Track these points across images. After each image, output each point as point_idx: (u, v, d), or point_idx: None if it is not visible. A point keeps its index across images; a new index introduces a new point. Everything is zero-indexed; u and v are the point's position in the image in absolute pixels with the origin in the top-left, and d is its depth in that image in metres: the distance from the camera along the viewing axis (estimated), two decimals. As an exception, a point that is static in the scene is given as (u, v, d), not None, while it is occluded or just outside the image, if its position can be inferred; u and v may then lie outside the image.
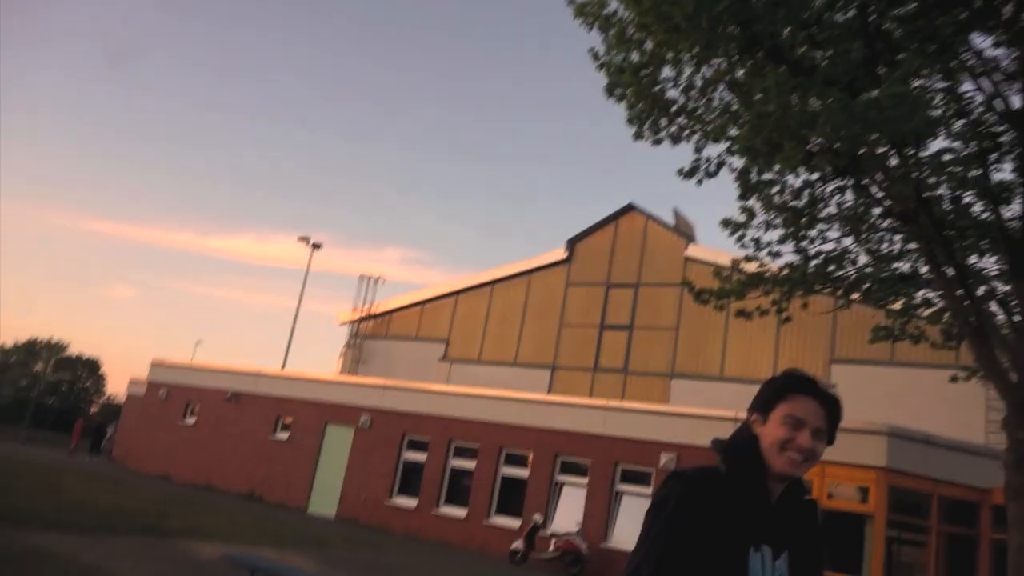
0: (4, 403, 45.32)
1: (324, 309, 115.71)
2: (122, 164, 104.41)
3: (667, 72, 12.35)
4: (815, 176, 10.85)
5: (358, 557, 13.81)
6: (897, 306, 11.48)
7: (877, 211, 10.69)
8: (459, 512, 19.40)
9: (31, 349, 71.82)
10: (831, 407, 1.99)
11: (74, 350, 73.48)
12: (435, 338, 27.02)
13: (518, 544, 17.22)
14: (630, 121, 12.87)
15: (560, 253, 25.72)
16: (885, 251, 11.15)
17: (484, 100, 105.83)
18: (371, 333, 28.70)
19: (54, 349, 72.51)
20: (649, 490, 17.22)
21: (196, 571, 9.72)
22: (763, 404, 2.03)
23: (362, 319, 28.97)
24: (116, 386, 72.78)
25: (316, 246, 33.61)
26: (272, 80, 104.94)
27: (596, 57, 12.66)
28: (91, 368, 73.99)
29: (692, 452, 16.50)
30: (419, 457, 20.73)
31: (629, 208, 25.08)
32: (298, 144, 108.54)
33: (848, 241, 11.45)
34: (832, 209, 11.15)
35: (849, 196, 10.90)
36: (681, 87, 12.41)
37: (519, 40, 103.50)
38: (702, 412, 16.98)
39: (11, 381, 63.79)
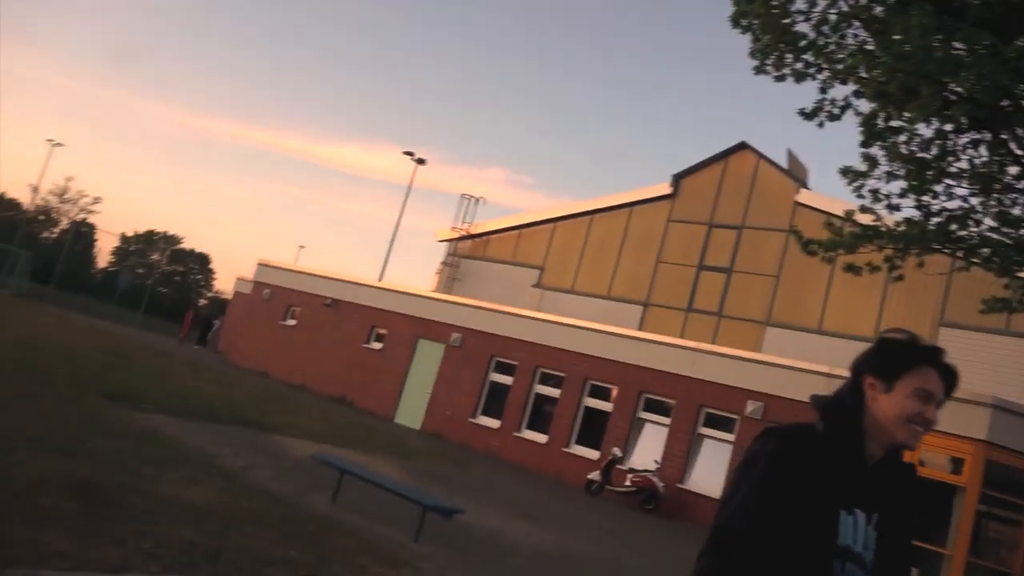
0: (123, 288, 48.28)
1: (423, 225, 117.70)
2: (244, 66, 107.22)
3: (800, 4, 11.66)
4: (949, 127, 10.13)
5: (441, 470, 14.27)
6: (1022, 275, 10.74)
7: (1014, 170, 9.94)
8: (540, 437, 19.76)
9: (149, 239, 76.01)
10: (950, 380, 1.92)
11: (187, 244, 77.47)
12: (530, 263, 27.10)
13: (595, 475, 17.44)
14: (753, 54, 12.29)
15: (664, 188, 25.11)
16: (1017, 215, 10.40)
17: (601, 25, 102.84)
18: (468, 253, 29.01)
19: (170, 241, 76.55)
20: (732, 436, 17.06)
21: (289, 466, 10.23)
22: (887, 371, 1.92)
23: (460, 238, 29.27)
24: (222, 282, 76.43)
25: (420, 161, 33.91)
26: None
27: (726, -18, 12.01)
28: (202, 262, 77.98)
29: (780, 403, 16.18)
30: (505, 380, 21.09)
31: (741, 146, 24.16)
32: (410, 58, 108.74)
33: (976, 200, 10.73)
34: (963, 164, 10.42)
35: (984, 151, 10.15)
36: (813, 21, 11.72)
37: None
38: (795, 364, 16.56)
39: (130, 268, 67.81)
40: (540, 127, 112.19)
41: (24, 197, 65.60)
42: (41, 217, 67.71)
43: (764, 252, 22.48)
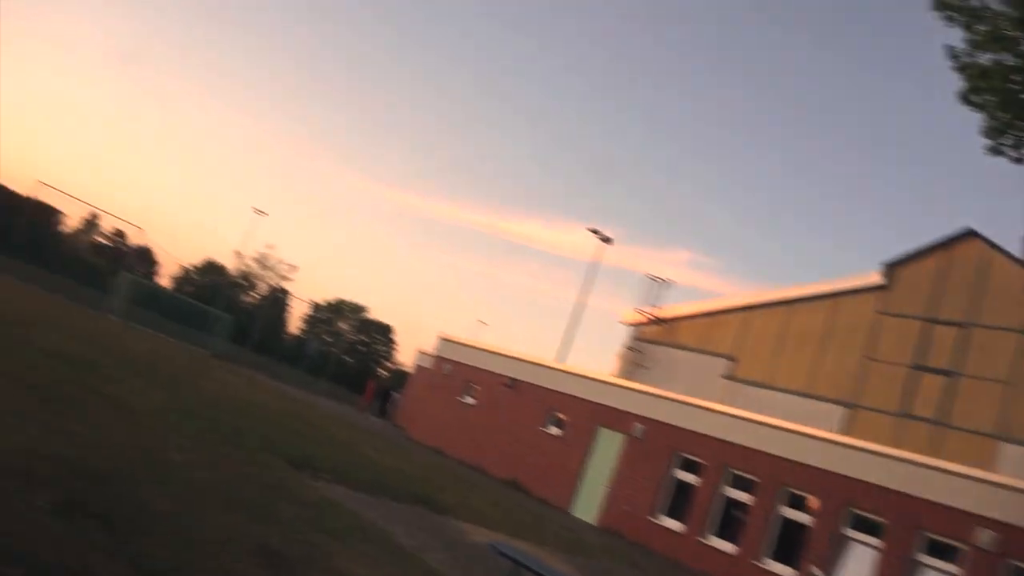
0: (311, 355, 50.86)
1: (604, 304, 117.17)
2: (431, 138, 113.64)
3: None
4: None
5: (618, 573, 13.15)
6: None
7: None
8: (728, 547, 17.97)
9: (337, 308, 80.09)
10: None
11: (372, 314, 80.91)
12: (720, 353, 25.52)
13: (791, 596, 15.50)
14: (987, 133, 11.26)
15: (873, 277, 23.02)
16: None
17: (797, 97, 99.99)
18: (653, 338, 27.87)
19: (355, 311, 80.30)
20: (955, 569, 14.64)
21: (461, 550, 9.75)
22: None
23: (646, 322, 28.25)
24: (403, 353, 78.99)
25: (606, 240, 33.46)
26: (580, 69, 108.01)
27: (955, 56, 11.17)
28: (385, 333, 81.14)
29: (1021, 535, 13.77)
30: (690, 478, 19.58)
31: (968, 234, 21.75)
32: (598, 136, 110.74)
33: None
34: None
35: None
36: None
37: (847, 34, 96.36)
38: (1043, 489, 14.06)
39: (317, 336, 71.50)
40: (730, 207, 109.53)
41: (229, 262, 71.07)
42: (243, 282, 72.81)
43: (996, 354, 19.76)
